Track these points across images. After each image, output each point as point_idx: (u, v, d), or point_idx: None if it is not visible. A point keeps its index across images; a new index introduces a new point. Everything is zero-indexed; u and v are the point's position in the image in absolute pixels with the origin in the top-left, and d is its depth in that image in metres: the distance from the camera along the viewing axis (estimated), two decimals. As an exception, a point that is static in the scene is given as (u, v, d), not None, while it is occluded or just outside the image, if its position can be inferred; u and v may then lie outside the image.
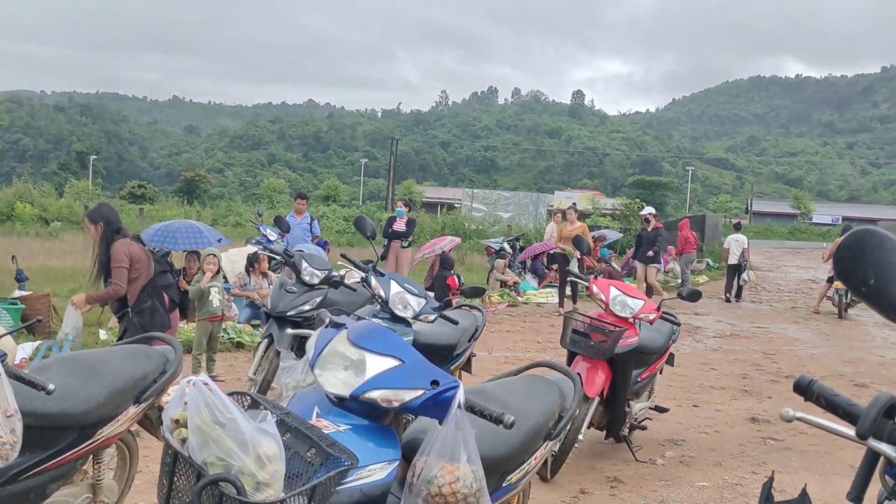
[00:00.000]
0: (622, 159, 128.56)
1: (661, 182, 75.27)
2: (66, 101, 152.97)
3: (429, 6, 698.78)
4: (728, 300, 17.56)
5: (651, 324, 5.70)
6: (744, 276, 18.09)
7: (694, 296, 6.06)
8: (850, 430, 1.67)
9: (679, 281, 19.18)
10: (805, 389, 1.82)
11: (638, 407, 5.89)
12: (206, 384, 2.04)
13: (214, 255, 8.10)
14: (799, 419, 1.78)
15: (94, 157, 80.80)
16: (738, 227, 19.21)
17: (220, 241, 10.92)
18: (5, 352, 2.78)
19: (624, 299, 5.56)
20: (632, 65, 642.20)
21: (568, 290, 14.22)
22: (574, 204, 16.78)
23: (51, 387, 2.80)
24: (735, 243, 18.07)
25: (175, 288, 9.57)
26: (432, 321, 5.51)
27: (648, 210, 15.85)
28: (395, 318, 5.37)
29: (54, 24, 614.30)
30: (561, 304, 14.03)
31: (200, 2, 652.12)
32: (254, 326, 9.84)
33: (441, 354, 5.77)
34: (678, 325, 6.28)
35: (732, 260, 17.97)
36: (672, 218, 44.27)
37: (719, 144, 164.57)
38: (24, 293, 9.68)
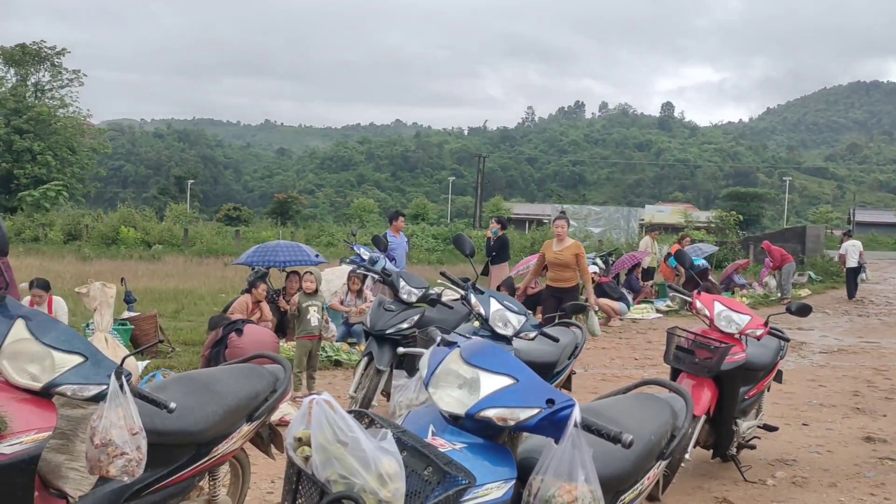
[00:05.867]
0: (714, 171, 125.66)
1: (756, 193, 73.29)
2: (165, 128, 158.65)
3: (510, 21, 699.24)
4: (853, 298, 19.53)
5: (758, 339, 5.53)
6: (862, 275, 20.59)
7: (803, 310, 5.84)
8: None
9: (778, 295, 18.68)
10: None
11: (746, 425, 5.71)
12: (328, 403, 2.07)
13: (312, 274, 8.25)
14: None
15: (192, 181, 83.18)
16: (849, 234, 21.59)
17: (317, 256, 11.14)
18: (130, 371, 2.88)
19: (729, 315, 5.41)
20: (723, 72, 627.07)
21: None
22: (563, 212, 14.90)
23: (172, 405, 2.89)
24: (852, 248, 19.87)
25: (276, 307, 9.85)
26: (532, 339, 5.48)
27: None
28: (496, 336, 5.36)
29: (151, 53, 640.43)
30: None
31: (284, 26, 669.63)
32: (350, 345, 9.97)
33: (541, 372, 5.69)
34: (787, 340, 6.08)
35: (851, 263, 19.84)
36: (769, 230, 43.04)
37: (818, 153, 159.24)
38: (132, 314, 10.05)
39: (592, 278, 13.34)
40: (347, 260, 12.43)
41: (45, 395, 2.81)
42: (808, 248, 26.51)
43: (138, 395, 2.89)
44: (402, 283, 6.93)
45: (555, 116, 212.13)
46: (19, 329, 2.86)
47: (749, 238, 30.45)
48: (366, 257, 11.51)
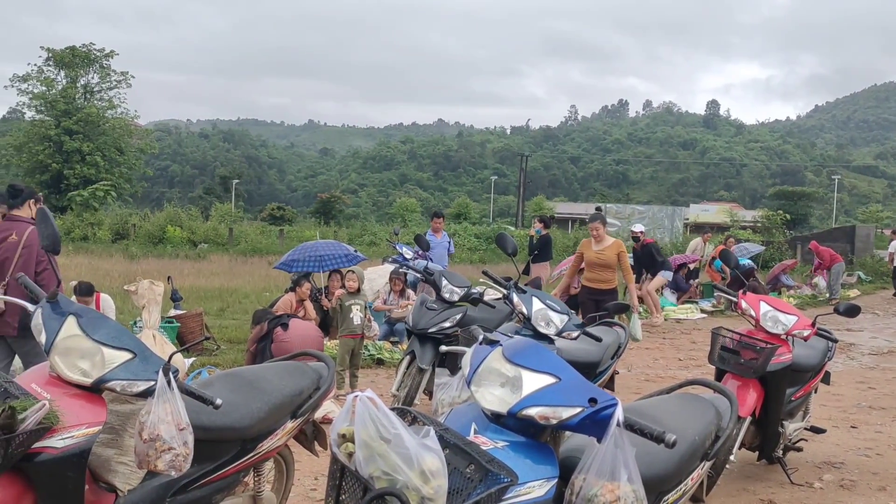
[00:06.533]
0: (761, 170, 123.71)
1: (804, 192, 71.89)
2: (210, 128, 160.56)
3: (552, 19, 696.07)
4: None
5: (805, 340, 5.44)
6: None
7: (852, 311, 5.73)
8: None
9: (827, 295, 18.36)
10: None
11: (792, 427, 5.63)
12: (371, 400, 2.09)
13: (355, 273, 8.31)
14: None
15: (237, 181, 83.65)
16: None
17: (355, 251, 11.24)
18: (177, 368, 2.93)
19: (776, 315, 5.33)
20: (770, 69, 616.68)
21: None
22: (598, 208, 15.09)
23: (219, 402, 2.93)
24: None
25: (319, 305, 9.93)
26: (575, 338, 5.46)
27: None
28: (538, 335, 5.35)
29: (196, 55, 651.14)
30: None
31: (327, 26, 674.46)
32: (392, 343, 10.01)
33: (584, 372, 5.67)
34: (835, 341, 5.98)
35: None
36: (817, 229, 42.27)
37: (867, 151, 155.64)
38: (179, 312, 10.20)
39: (637, 237, 13.33)
40: (390, 259, 12.50)
41: (95, 391, 2.88)
42: (857, 248, 26.08)
43: (185, 391, 2.94)
44: (445, 282, 6.95)
45: (598, 115, 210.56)
46: (71, 326, 2.93)
47: (796, 238, 29.97)
48: (408, 256, 11.56)
